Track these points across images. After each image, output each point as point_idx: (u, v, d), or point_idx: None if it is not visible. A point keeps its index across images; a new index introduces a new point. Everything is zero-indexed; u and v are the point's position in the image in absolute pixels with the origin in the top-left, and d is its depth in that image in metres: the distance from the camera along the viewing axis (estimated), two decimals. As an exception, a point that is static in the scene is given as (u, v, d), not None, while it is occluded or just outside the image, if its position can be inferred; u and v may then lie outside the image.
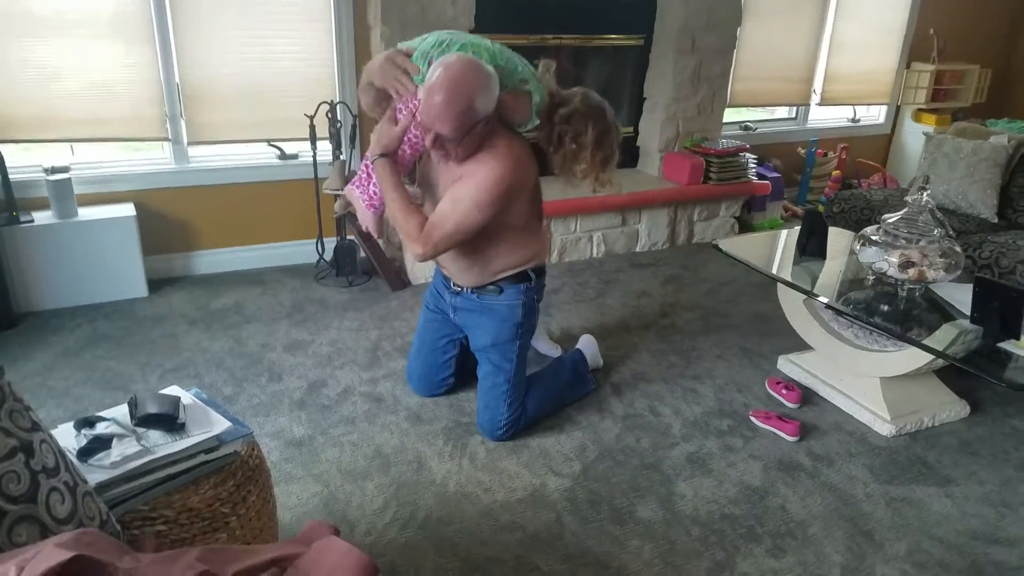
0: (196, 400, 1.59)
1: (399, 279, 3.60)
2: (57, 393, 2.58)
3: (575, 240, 4.02)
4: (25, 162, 3.25)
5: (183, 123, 3.37)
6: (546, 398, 2.56)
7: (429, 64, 2.04)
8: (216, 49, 3.31)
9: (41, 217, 3.11)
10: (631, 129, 4.45)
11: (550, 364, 2.73)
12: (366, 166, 2.25)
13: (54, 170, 3.11)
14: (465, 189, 2.10)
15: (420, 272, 3.64)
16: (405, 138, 2.17)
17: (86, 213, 3.18)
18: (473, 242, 2.23)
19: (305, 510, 2.08)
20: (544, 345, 2.97)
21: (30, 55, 3.02)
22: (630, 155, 4.49)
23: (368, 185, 2.25)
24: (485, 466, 2.30)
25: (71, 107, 3.14)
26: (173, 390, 1.61)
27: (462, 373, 2.64)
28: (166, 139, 3.38)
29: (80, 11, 3.04)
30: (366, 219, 2.31)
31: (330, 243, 3.70)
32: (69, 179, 3.11)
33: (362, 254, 3.66)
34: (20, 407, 1.15)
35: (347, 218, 3.52)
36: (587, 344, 2.85)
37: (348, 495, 2.15)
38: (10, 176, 3.02)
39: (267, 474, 1.63)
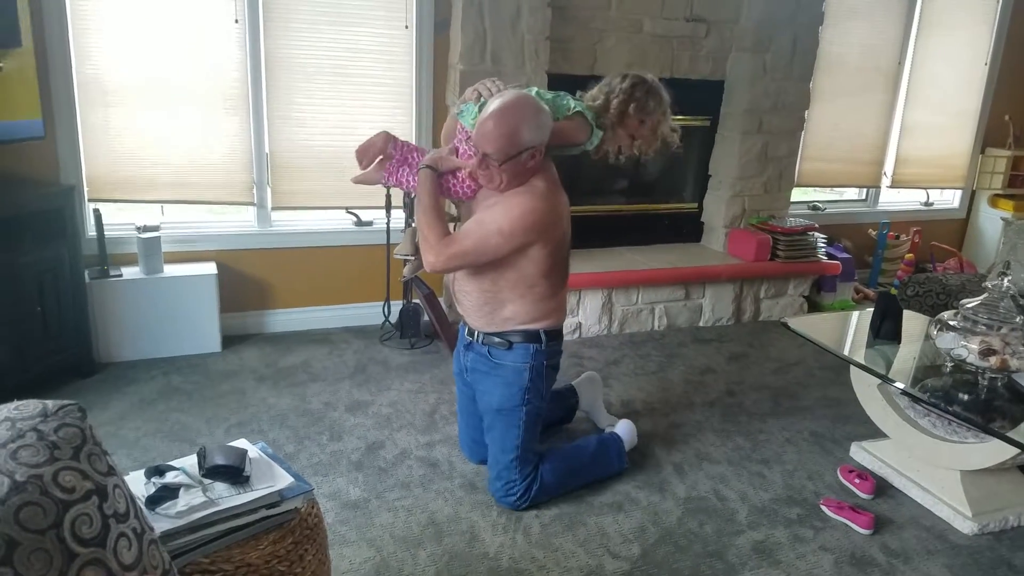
0: (262, 454, 1.62)
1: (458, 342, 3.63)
2: (127, 443, 2.66)
3: (636, 312, 4.00)
4: (119, 220, 3.46)
5: (269, 190, 3.55)
6: (565, 469, 2.49)
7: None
8: (304, 122, 3.50)
9: (129, 272, 3.28)
10: (696, 205, 4.46)
11: (578, 440, 2.68)
12: (405, 158, 2.36)
13: (145, 228, 3.30)
14: (493, 213, 2.19)
15: (482, 339, 3.67)
16: (457, 178, 2.29)
17: (171, 270, 3.34)
18: (490, 278, 2.27)
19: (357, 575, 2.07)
20: (603, 416, 2.92)
21: (131, 122, 3.25)
22: (694, 230, 4.49)
23: (398, 170, 2.36)
24: (540, 542, 2.25)
25: (166, 171, 3.34)
26: (241, 443, 1.65)
27: None
28: (252, 203, 3.56)
29: (181, 84, 3.27)
30: (369, 175, 2.39)
31: (396, 306, 3.77)
32: (158, 237, 3.29)
33: (426, 317, 3.72)
34: (98, 451, 1.19)
35: (414, 282, 3.60)
36: (624, 427, 2.76)
37: (400, 563, 2.13)
38: (105, 232, 3.21)
39: (324, 534, 1.64)
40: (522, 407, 2.37)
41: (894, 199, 5.22)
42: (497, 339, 2.35)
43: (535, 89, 2.30)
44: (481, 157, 2.13)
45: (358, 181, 2.45)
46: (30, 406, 1.20)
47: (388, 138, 2.38)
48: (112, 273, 3.23)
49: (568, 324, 3.83)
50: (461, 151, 2.29)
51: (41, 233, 2.88)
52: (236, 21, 3.28)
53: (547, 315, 2.34)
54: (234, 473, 1.49)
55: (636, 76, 2.33)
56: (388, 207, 3.55)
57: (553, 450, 2.55)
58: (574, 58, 3.80)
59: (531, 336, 2.34)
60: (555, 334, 2.39)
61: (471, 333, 2.44)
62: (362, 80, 3.52)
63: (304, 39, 3.40)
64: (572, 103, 2.28)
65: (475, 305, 2.36)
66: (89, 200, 3.29)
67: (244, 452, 1.55)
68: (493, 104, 2.11)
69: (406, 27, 3.53)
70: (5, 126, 2.81)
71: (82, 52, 3.12)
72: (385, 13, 3.49)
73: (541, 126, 2.13)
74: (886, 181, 4.99)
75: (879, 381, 2.59)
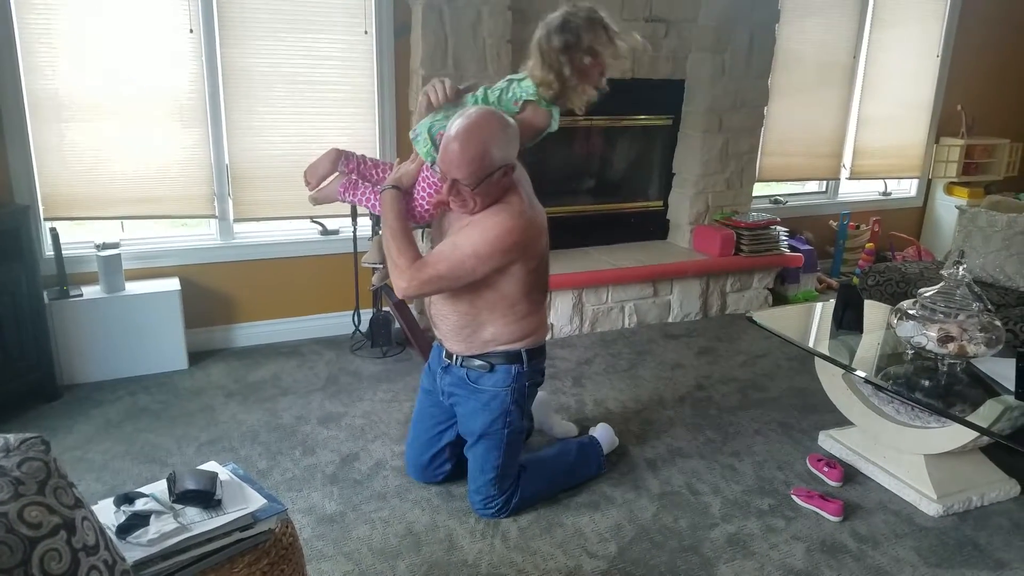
0: (233, 476, 1.61)
1: (431, 349, 3.62)
2: (96, 466, 2.61)
3: (607, 310, 4.03)
4: (77, 238, 3.39)
5: (230, 201, 3.50)
6: (546, 479, 2.48)
7: (434, 141, 2.11)
8: (264, 131, 3.46)
9: (90, 291, 3.21)
10: (660, 203, 4.51)
11: (558, 446, 2.65)
12: (365, 175, 2.32)
13: (104, 246, 3.24)
14: (467, 235, 2.07)
15: (453, 345, 3.66)
16: (423, 193, 2.19)
17: (133, 287, 3.28)
18: (468, 300, 2.18)
19: (337, 588, 2.06)
20: (559, 427, 2.86)
21: (86, 137, 3.19)
22: (660, 228, 4.54)
23: (355, 187, 2.31)
24: (518, 546, 2.26)
25: (124, 186, 3.28)
26: (211, 465, 1.63)
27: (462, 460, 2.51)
28: (213, 216, 3.51)
29: (136, 96, 3.21)
30: (328, 193, 2.37)
31: (366, 315, 3.75)
32: (119, 255, 3.23)
33: (396, 325, 3.70)
34: (64, 483, 1.17)
35: (383, 290, 3.59)
36: (603, 432, 2.75)
37: (379, 575, 2.12)
38: (63, 251, 3.14)
39: (300, 553, 1.63)
40: (504, 429, 2.30)
41: (853, 190, 5.32)
42: (478, 362, 2.27)
43: (483, 88, 2.18)
44: (451, 184, 2.01)
45: (315, 201, 2.41)
46: None
47: (337, 156, 2.31)
48: (72, 293, 3.16)
49: (538, 326, 3.84)
50: (423, 177, 2.19)
51: (-4, 255, 2.82)
52: (191, 31, 3.23)
53: (529, 333, 2.26)
54: (205, 497, 1.48)
55: (557, 26, 2.06)
56: (354, 215, 3.53)
57: (534, 461, 2.51)
58: (534, 60, 3.81)
59: (513, 357, 2.25)
60: (537, 352, 2.31)
61: (449, 355, 2.35)
62: (322, 87, 3.50)
63: (262, 47, 3.37)
64: (519, 92, 2.12)
65: (453, 328, 2.27)
66: (45, 219, 3.21)
67: (215, 475, 1.53)
68: (455, 125, 1.98)
69: (365, 32, 3.51)
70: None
71: (32, 67, 3.04)
72: (344, 19, 3.46)
73: (510, 140, 2.02)
74: (845, 173, 5.09)
75: (843, 371, 2.65)
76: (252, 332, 3.70)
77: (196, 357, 3.47)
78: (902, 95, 5.10)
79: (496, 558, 2.20)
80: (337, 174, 2.35)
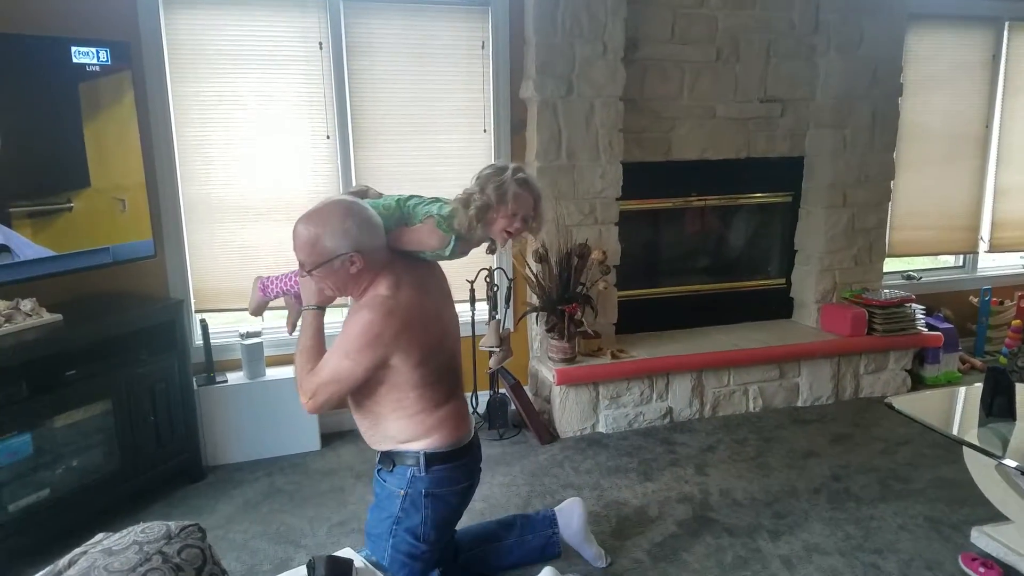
0: (366, 564, 1.66)
1: (548, 432, 3.64)
2: (236, 546, 2.75)
3: (728, 394, 3.91)
4: (220, 325, 3.66)
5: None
6: None
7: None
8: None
9: (234, 377, 3.45)
10: (783, 280, 4.39)
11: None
12: (291, 280, 2.31)
13: (248, 335, 3.48)
14: (340, 336, 2.04)
15: (568, 426, 3.66)
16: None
17: (272, 373, 3.49)
18: (364, 394, 2.11)
19: None
20: (590, 551, 2.56)
21: (234, 236, 3.50)
22: (784, 307, 4.41)
23: (269, 286, 2.35)
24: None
25: (265, 280, 3.55)
26: (347, 552, 1.69)
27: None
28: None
29: (279, 198, 3.51)
30: (256, 302, 2.39)
31: (484, 396, 3.81)
32: (260, 343, 3.47)
33: (513, 407, 3.74)
34: (218, 570, 1.25)
35: (500, 372, 3.65)
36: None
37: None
38: (211, 341, 3.41)
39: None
40: (388, 539, 2.15)
41: (994, 263, 5.01)
42: (382, 458, 2.20)
43: (386, 198, 2.20)
44: (299, 265, 2.05)
45: (254, 312, 2.45)
46: (155, 528, 1.25)
47: (257, 284, 2.37)
48: (218, 379, 3.41)
49: (658, 409, 3.77)
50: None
51: (153, 345, 3.09)
52: (328, 137, 3.51)
53: (426, 434, 2.11)
54: (342, 584, 1.53)
55: (495, 186, 2.05)
56: (472, 301, 3.64)
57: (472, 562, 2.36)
58: (648, 146, 3.89)
59: (409, 459, 2.13)
60: (441, 458, 2.13)
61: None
62: (444, 183, 3.65)
63: (391, 149, 3.62)
64: (433, 209, 2.12)
65: (360, 421, 2.20)
66: (196, 311, 3.51)
67: (350, 562, 1.59)
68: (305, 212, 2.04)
69: (484, 131, 3.70)
70: (120, 248, 3.06)
71: (188, 175, 3.40)
72: (466, 120, 3.68)
73: (347, 232, 1.97)
74: (983, 246, 4.80)
75: (996, 462, 2.44)
76: (378, 415, 3.82)
77: (328, 438, 3.62)
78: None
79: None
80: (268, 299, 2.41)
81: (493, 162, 2.07)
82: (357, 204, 2.06)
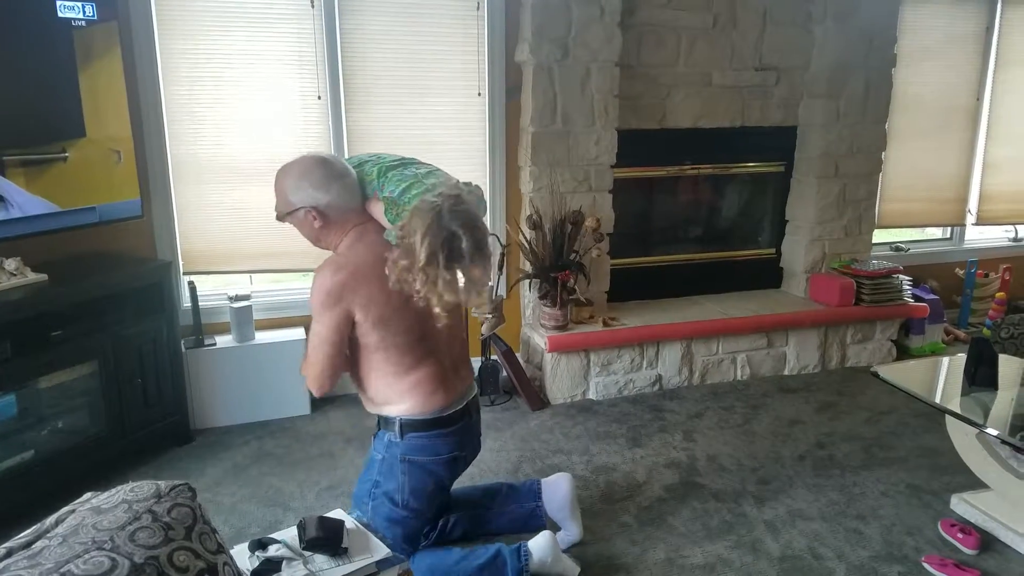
0: (357, 525, 1.67)
1: (538, 399, 3.66)
2: (224, 509, 2.76)
3: (717, 362, 3.93)
4: (208, 288, 3.64)
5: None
6: None
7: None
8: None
9: (223, 341, 3.43)
10: (773, 251, 4.40)
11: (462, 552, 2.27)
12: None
13: (237, 298, 3.46)
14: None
15: (559, 392, 3.68)
16: None
17: (262, 337, 3.48)
18: (350, 359, 2.11)
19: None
20: (572, 529, 2.46)
21: (222, 197, 3.45)
22: (773, 276, 4.42)
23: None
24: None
25: (255, 243, 3.51)
26: (337, 513, 1.70)
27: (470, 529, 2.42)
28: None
29: (268, 159, 3.42)
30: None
31: (475, 363, 3.81)
32: (250, 306, 3.45)
33: (504, 373, 3.75)
34: (208, 529, 1.25)
35: (492, 339, 3.65)
36: (540, 541, 2.26)
37: (492, 627, 2.12)
38: (200, 303, 3.38)
39: (419, 603, 1.66)
40: (368, 501, 2.17)
41: (980, 236, 5.04)
42: (378, 423, 2.22)
43: (385, 155, 2.17)
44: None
45: None
46: (144, 487, 1.24)
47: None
48: (207, 342, 3.39)
49: (648, 376, 3.80)
50: None
51: (140, 307, 3.06)
52: (319, 98, 3.46)
53: (399, 399, 2.10)
54: (333, 545, 1.54)
55: (447, 236, 1.81)
56: (464, 267, 3.63)
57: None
58: (643, 113, 3.86)
59: (387, 423, 2.15)
60: (418, 425, 2.10)
61: None
62: (439, 147, 3.63)
63: (384, 112, 3.56)
64: (394, 190, 2.00)
65: (356, 386, 2.23)
66: (184, 273, 3.48)
67: (341, 523, 1.60)
68: None
69: (479, 94, 3.66)
70: (107, 208, 3.01)
71: (176, 134, 3.34)
72: (461, 83, 3.63)
73: (301, 188, 2.03)
74: (971, 218, 4.83)
75: (977, 430, 2.48)
76: (367, 380, 3.83)
77: (318, 403, 3.62)
78: (1030, 137, 4.82)
79: (609, 618, 2.16)
80: None
81: (445, 189, 1.88)
82: (329, 161, 2.09)
